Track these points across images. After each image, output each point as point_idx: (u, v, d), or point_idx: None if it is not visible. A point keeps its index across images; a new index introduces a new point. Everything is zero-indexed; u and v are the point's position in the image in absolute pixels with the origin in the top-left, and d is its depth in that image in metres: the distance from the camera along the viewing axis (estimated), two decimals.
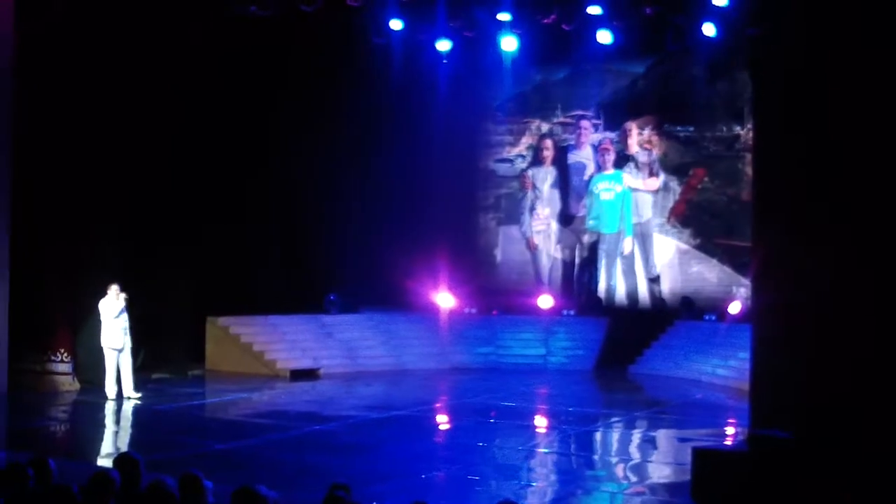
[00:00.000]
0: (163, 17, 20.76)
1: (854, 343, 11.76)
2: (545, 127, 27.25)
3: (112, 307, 19.16)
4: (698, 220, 25.39)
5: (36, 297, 19.66)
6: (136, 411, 18.37)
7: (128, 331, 19.27)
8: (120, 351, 19.22)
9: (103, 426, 17.49)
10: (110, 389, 19.19)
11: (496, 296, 27.03)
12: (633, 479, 14.07)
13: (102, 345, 19.28)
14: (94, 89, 20.05)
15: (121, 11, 20.10)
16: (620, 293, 26.42)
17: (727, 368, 22.05)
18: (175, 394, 19.81)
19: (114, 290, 19.16)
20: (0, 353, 18.76)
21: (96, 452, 15.72)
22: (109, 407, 18.62)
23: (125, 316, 19.22)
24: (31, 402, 18.73)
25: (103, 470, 7.12)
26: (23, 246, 19.13)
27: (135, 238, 21.11)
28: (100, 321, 19.30)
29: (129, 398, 19.15)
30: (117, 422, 17.65)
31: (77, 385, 19.91)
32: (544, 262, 27.23)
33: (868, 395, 11.57)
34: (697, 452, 11.95)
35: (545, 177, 27.27)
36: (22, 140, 19.08)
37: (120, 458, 7.58)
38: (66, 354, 19.89)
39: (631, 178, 26.23)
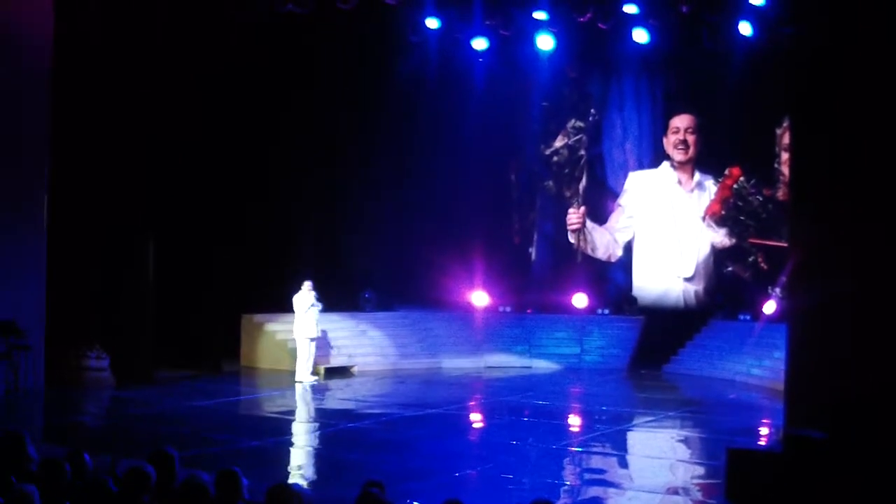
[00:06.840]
0: (199, 17, 20.90)
1: (890, 343, 11.69)
2: (581, 125, 27.17)
3: (305, 301, 21.39)
4: (733, 220, 25.27)
5: (72, 295, 19.83)
6: (172, 407, 18.42)
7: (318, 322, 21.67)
8: (313, 340, 21.58)
9: (138, 421, 17.56)
10: (304, 375, 21.44)
11: (531, 294, 27.00)
12: (667, 478, 14.03)
13: (295, 335, 21.70)
14: (134, 89, 20.25)
15: (160, 16, 20.32)
16: (655, 292, 26.34)
17: (762, 368, 21.97)
18: (209, 390, 19.89)
19: (306, 286, 21.49)
20: (37, 350, 18.95)
21: (132, 447, 15.76)
22: (146, 402, 18.69)
23: (317, 309, 21.46)
24: (68, 397, 18.90)
25: (139, 465, 7.13)
26: (59, 245, 19.31)
27: (171, 236, 21.23)
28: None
29: (301, 381, 21.24)
30: (152, 417, 17.70)
31: (113, 380, 20.03)
32: (579, 261, 27.15)
33: None
34: (732, 452, 11.90)
35: (580, 175, 27.19)
36: (59, 141, 19.27)
37: (156, 454, 7.57)
38: (102, 351, 20.01)
39: (666, 176, 26.16)
